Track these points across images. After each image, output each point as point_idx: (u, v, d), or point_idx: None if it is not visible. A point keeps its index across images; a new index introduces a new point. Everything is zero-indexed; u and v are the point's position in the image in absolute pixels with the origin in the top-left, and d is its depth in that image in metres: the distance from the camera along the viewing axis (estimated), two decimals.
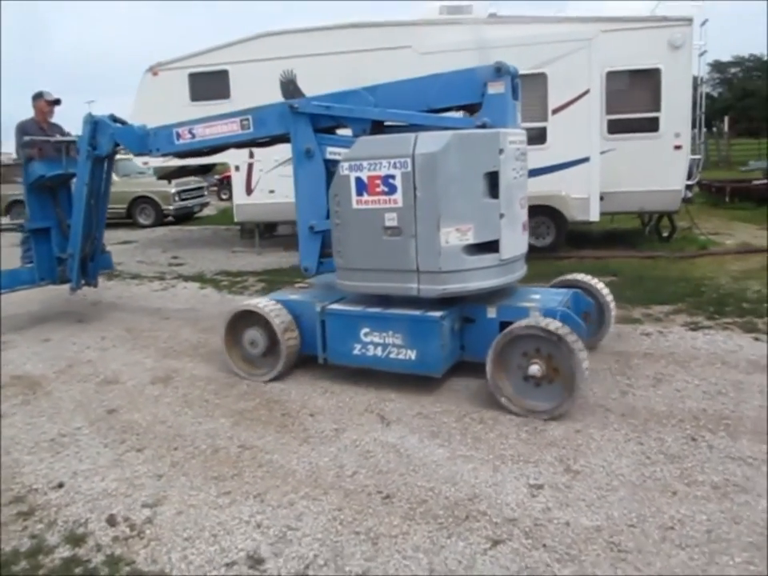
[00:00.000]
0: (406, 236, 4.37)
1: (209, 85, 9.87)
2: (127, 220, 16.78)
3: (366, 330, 4.59)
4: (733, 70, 49.53)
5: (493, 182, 4.33)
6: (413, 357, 4.47)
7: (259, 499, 3.35)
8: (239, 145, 5.88)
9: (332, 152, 4.92)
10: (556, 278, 5.54)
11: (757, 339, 5.48)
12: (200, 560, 2.90)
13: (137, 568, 2.87)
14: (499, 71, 4.40)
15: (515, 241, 4.58)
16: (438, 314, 4.40)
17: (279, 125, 5.16)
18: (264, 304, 4.95)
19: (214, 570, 2.83)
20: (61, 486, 3.57)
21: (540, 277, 7.84)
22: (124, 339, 6.28)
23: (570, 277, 5.49)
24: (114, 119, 6.24)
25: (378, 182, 4.38)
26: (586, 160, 8.51)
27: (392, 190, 4.35)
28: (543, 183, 8.69)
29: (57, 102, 7.09)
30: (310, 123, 4.97)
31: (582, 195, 8.70)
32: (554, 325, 4.11)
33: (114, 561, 2.92)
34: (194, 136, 5.58)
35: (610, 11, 8.50)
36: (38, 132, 6.78)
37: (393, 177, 4.33)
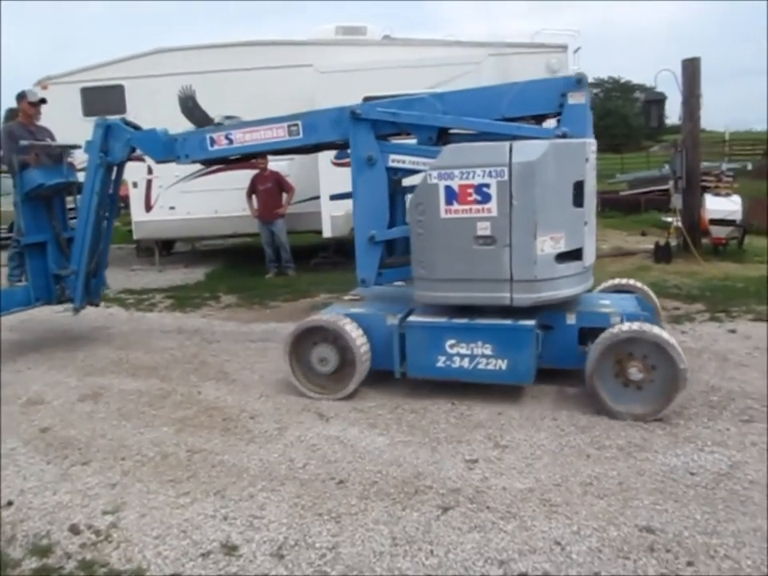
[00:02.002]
0: (499, 245, 4.32)
1: (103, 100, 9.70)
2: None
3: (451, 341, 4.51)
4: (594, 91, 54.05)
5: (578, 191, 4.37)
6: (503, 367, 4.44)
7: (220, 495, 3.52)
8: (283, 151, 5.75)
9: (395, 159, 4.82)
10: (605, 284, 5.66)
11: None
12: (175, 554, 3.04)
13: (113, 568, 2.97)
14: (580, 82, 4.44)
15: (592, 248, 4.69)
16: (530, 322, 4.40)
17: (333, 131, 5.02)
18: (335, 319, 4.76)
19: (191, 560, 2.99)
20: (10, 504, 3.54)
21: None
22: (37, 360, 6.11)
23: (617, 281, 5.60)
24: (126, 123, 5.94)
25: (471, 190, 4.31)
26: None
27: (486, 198, 4.30)
28: None
29: (42, 101, 6.64)
30: (371, 130, 4.83)
31: None
32: (655, 329, 4.25)
33: (87, 564, 3.00)
34: (231, 142, 5.35)
35: (495, 36, 9.27)
36: (27, 136, 6.29)
37: (487, 185, 4.28)
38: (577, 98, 4.42)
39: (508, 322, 4.43)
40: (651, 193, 16.13)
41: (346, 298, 5.49)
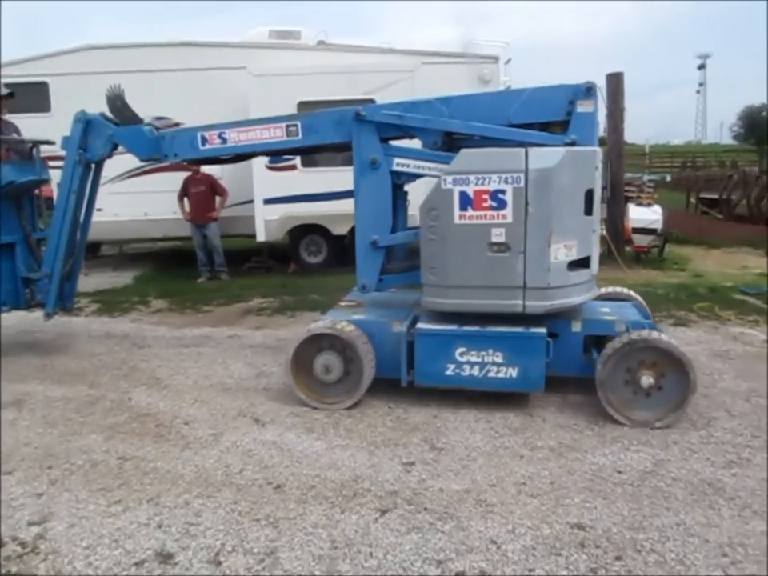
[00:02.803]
0: (513, 252, 4.27)
1: (25, 97, 9.25)
2: None
3: (462, 349, 4.44)
4: None
5: (589, 199, 4.36)
6: (514, 375, 4.41)
7: (153, 503, 3.43)
8: (279, 152, 5.51)
9: (399, 163, 4.71)
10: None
11: None
12: (106, 564, 2.94)
13: None
14: (590, 90, 4.42)
15: (597, 257, 4.67)
16: (542, 330, 4.38)
17: (335, 133, 4.87)
18: (341, 325, 4.62)
19: (124, 570, 2.90)
20: None
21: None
22: None
23: (610, 290, 5.56)
24: (106, 118, 5.60)
25: (486, 196, 4.24)
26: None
27: (501, 205, 4.24)
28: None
29: (10, 95, 6.26)
30: (376, 132, 4.71)
31: (410, 213, 9.45)
32: (665, 338, 4.31)
33: None
34: (225, 141, 5.13)
35: (429, 45, 9.43)
36: None
37: (503, 192, 4.22)
38: (586, 107, 4.42)
39: (519, 329, 4.40)
40: None
41: (342, 303, 5.32)
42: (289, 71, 8.70)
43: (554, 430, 4.27)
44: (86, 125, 5.54)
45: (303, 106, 8.52)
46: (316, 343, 4.67)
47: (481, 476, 3.69)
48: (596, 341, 4.59)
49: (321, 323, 4.72)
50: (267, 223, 9.25)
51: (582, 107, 4.41)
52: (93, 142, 5.57)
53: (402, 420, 4.47)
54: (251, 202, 9.24)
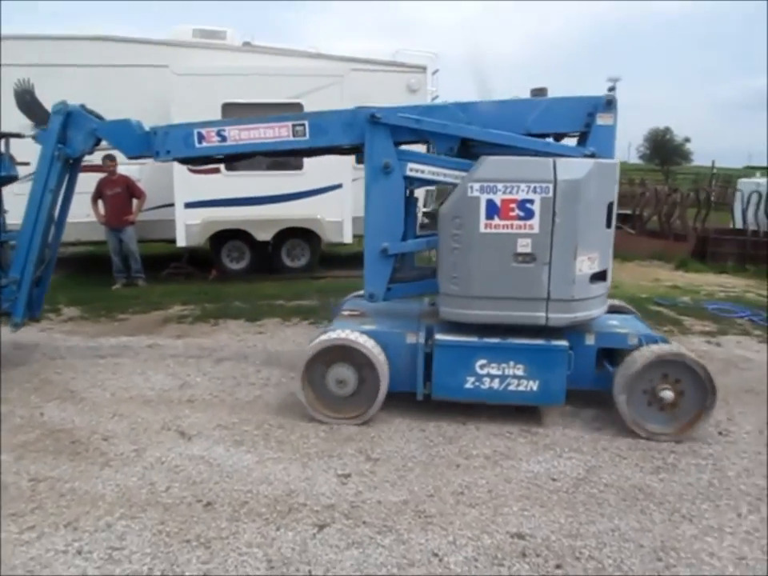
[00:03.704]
0: (539, 263, 4.18)
1: None
2: None
3: (482, 361, 4.33)
4: None
5: (609, 212, 4.33)
6: (534, 388, 4.32)
7: (71, 528, 3.17)
8: (283, 153, 5.20)
9: (413, 168, 4.54)
10: None
11: None
12: None
13: None
14: (610, 103, 4.39)
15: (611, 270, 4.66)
16: (564, 342, 4.32)
17: (345, 134, 4.66)
18: (356, 337, 4.40)
19: None
20: None
21: (300, 295, 8.33)
22: None
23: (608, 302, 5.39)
24: (88, 111, 5.11)
25: (513, 205, 4.14)
26: (339, 186, 9.20)
27: (528, 215, 4.14)
28: (300, 207, 9.22)
29: None
30: (390, 136, 4.53)
31: (337, 219, 9.38)
32: (684, 350, 4.34)
33: None
34: (224, 139, 4.80)
35: (358, 52, 9.39)
36: None
37: (531, 201, 4.12)
38: (605, 119, 4.40)
39: (541, 341, 4.33)
40: None
41: (345, 313, 5.06)
42: (214, 71, 8.44)
43: (487, 438, 4.27)
44: (65, 117, 5.12)
45: (228, 107, 8.29)
46: (326, 356, 4.45)
47: (418, 486, 3.64)
48: (610, 354, 4.59)
49: (333, 334, 4.46)
50: (188, 228, 8.91)
51: (602, 120, 4.41)
52: (73, 135, 5.14)
53: (335, 430, 4.35)
54: (171, 205, 8.87)
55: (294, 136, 4.73)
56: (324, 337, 4.48)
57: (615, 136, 4.49)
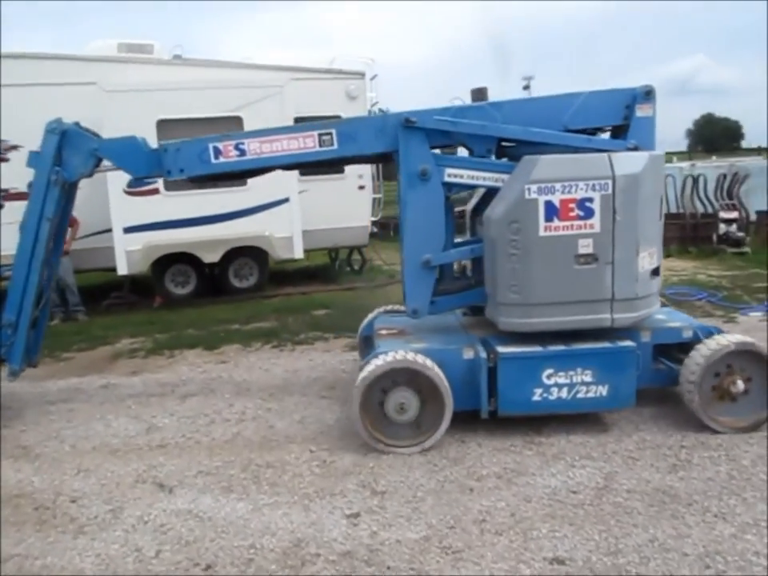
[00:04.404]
0: (601, 263, 4.04)
1: None
2: None
3: (549, 371, 4.11)
4: None
5: (660, 205, 4.26)
6: (604, 393, 4.14)
7: None
8: (308, 165, 4.87)
9: (451, 174, 4.31)
10: None
11: None
12: None
13: None
14: (650, 94, 4.29)
15: None
16: (631, 343, 4.18)
17: (378, 142, 4.39)
18: (413, 357, 4.07)
19: None
20: None
21: (256, 317, 7.91)
22: None
23: None
24: (84, 129, 4.61)
25: (573, 205, 3.98)
26: (286, 200, 8.83)
27: (588, 214, 3.99)
28: (247, 224, 8.79)
29: None
30: (426, 140, 4.29)
31: (286, 234, 9.00)
32: (751, 339, 4.23)
33: None
34: (243, 153, 4.42)
35: (296, 61, 9.06)
36: None
37: (590, 200, 3.98)
38: (645, 111, 4.31)
39: (608, 344, 4.18)
40: None
41: (383, 332, 4.75)
42: (146, 86, 7.92)
43: (493, 455, 4.02)
44: (61, 137, 4.62)
45: (163, 124, 7.80)
46: (384, 381, 4.11)
47: (435, 519, 3.35)
48: (665, 350, 4.47)
49: (389, 357, 4.11)
50: (129, 254, 8.34)
51: (642, 111, 4.30)
52: (70, 157, 4.67)
53: (329, 464, 4.01)
54: (109, 231, 8.29)
55: (321, 146, 4.45)
56: (379, 361, 4.11)
57: (655, 127, 4.39)
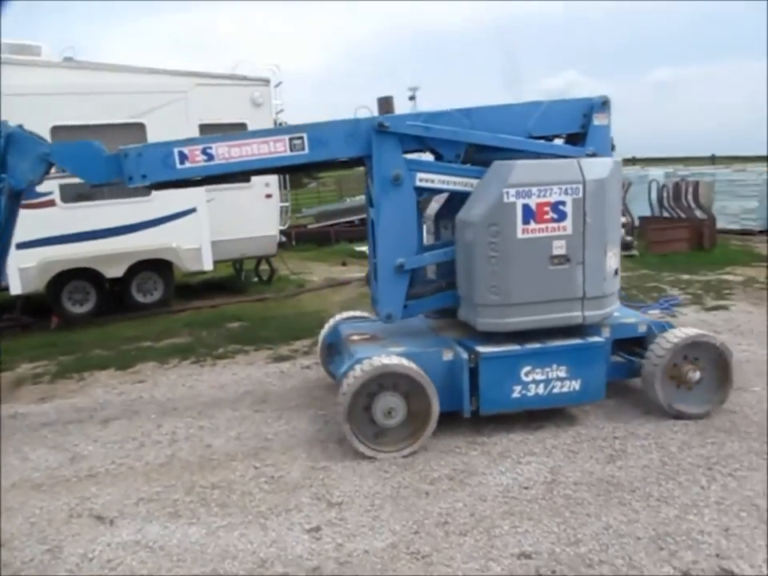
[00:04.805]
0: (573, 263, 4.21)
1: None
2: None
3: (527, 368, 4.24)
4: None
5: (619, 208, 4.50)
6: (577, 387, 4.32)
7: None
8: (278, 171, 4.69)
9: (423, 178, 4.37)
10: None
11: None
12: None
13: None
14: (605, 104, 4.49)
15: None
16: (601, 338, 4.41)
17: (349, 146, 4.37)
18: (398, 362, 4.12)
19: None
20: None
21: (167, 333, 7.57)
22: None
23: None
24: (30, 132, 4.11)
25: (548, 208, 4.12)
26: (193, 210, 8.51)
27: (561, 216, 4.15)
28: (153, 236, 8.40)
29: None
30: (399, 145, 4.32)
31: (194, 245, 8.67)
32: (705, 332, 4.63)
33: None
34: (211, 158, 4.26)
35: (198, 66, 8.77)
36: None
37: (563, 203, 4.14)
38: (601, 120, 4.51)
39: (580, 341, 4.37)
40: (338, 225, 17.05)
41: (355, 338, 4.74)
42: (39, 91, 7.35)
43: (440, 458, 4.07)
44: (5, 141, 4.20)
45: (58, 131, 7.29)
46: (369, 386, 4.10)
47: (398, 525, 3.35)
48: (623, 344, 4.74)
49: (375, 362, 4.10)
50: (23, 272, 7.71)
51: (599, 120, 4.52)
52: (16, 163, 4.31)
53: (278, 480, 3.90)
54: None
55: (291, 150, 4.37)
56: (365, 366, 4.09)
57: (609, 135, 4.61)
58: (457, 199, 4.52)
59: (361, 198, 21.48)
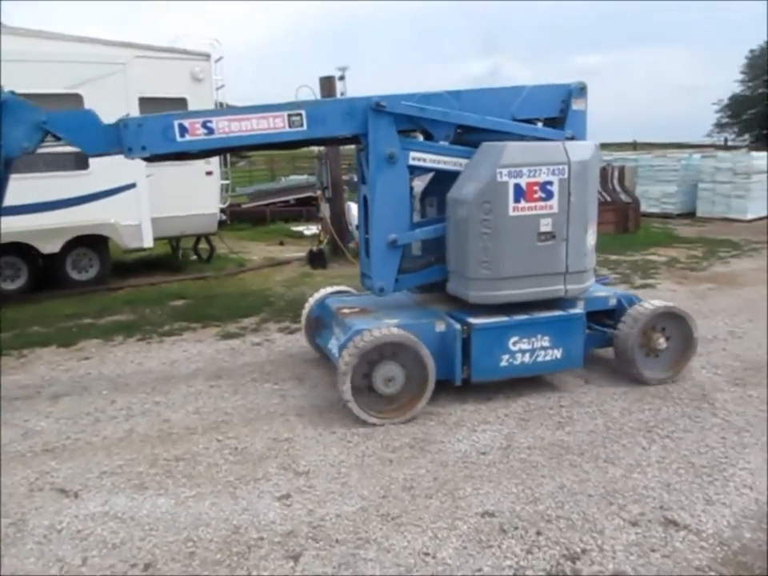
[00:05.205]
0: (558, 240, 4.45)
1: None
2: None
3: (515, 338, 4.50)
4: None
5: (596, 188, 4.74)
6: (558, 355, 4.61)
7: None
8: (276, 146, 4.85)
9: (415, 157, 4.55)
10: None
11: None
12: None
13: None
14: (583, 90, 4.75)
15: None
16: (580, 310, 4.74)
17: (346, 125, 4.51)
18: (398, 332, 4.32)
19: None
20: None
21: (108, 311, 7.41)
22: None
23: None
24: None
25: (537, 188, 4.35)
26: (133, 186, 8.29)
27: (549, 196, 4.38)
28: (90, 211, 8.15)
29: None
30: (394, 124, 4.48)
31: (134, 222, 8.46)
32: (671, 303, 5.02)
33: None
34: (211, 131, 4.31)
35: (138, 38, 8.50)
36: None
37: (551, 183, 4.37)
38: (579, 105, 4.77)
39: (562, 312, 4.66)
40: (273, 204, 16.88)
41: (345, 311, 4.90)
42: None
43: (399, 428, 4.22)
44: None
45: None
46: (370, 356, 4.27)
47: (366, 491, 3.48)
48: (595, 316, 5.04)
49: (376, 332, 4.27)
50: None
51: (577, 105, 4.77)
52: (10, 130, 4.17)
53: (242, 451, 3.96)
54: None
55: (290, 127, 4.46)
56: (366, 336, 4.25)
57: (587, 119, 4.88)
58: (443, 178, 4.71)
59: (294, 178, 21.44)
